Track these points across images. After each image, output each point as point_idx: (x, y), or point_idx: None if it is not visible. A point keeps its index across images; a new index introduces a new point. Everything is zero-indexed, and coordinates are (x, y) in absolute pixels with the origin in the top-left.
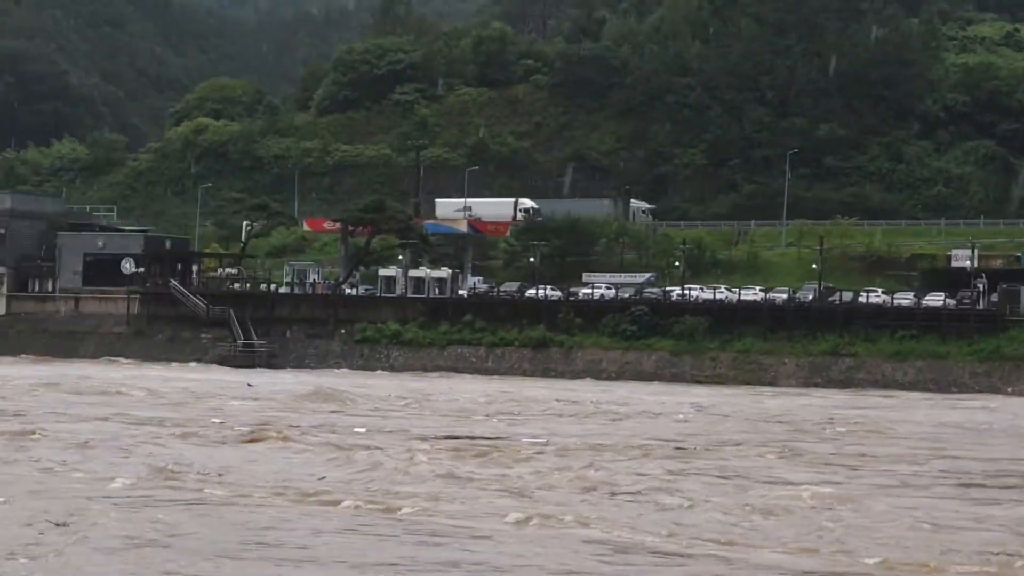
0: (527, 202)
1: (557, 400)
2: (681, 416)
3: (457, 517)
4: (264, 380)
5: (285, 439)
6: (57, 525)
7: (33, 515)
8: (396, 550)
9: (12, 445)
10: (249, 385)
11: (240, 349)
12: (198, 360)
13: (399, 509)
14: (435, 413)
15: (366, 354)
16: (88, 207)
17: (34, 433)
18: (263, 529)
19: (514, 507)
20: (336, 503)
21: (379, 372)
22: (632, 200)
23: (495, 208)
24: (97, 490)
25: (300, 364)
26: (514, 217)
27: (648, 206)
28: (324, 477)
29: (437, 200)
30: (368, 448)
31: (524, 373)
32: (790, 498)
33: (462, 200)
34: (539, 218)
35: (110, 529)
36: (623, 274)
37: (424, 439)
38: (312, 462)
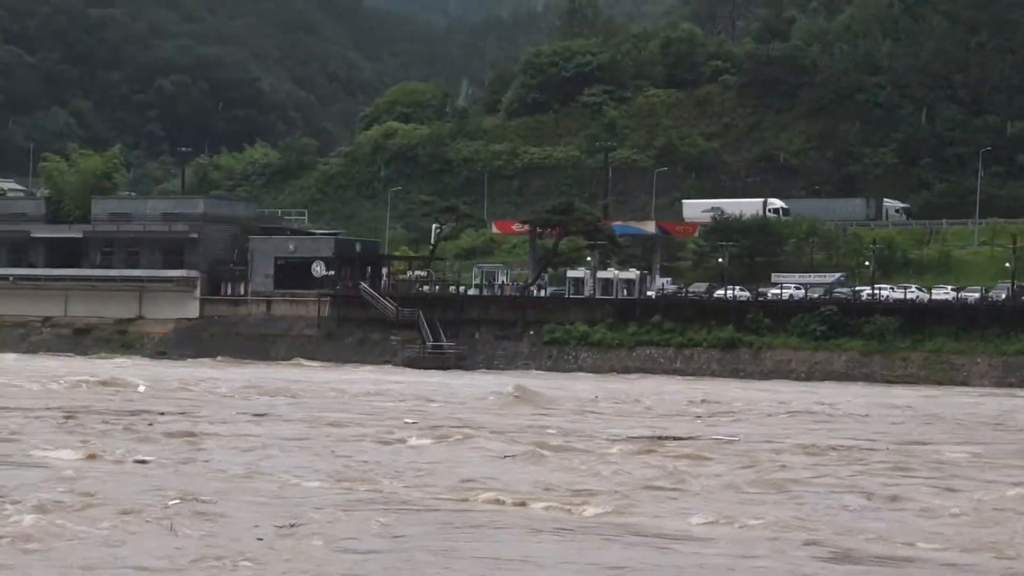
0: (776, 202)
1: (780, 402)
2: (892, 420)
3: (662, 517)
4: (462, 382)
5: (482, 440)
6: (290, 526)
7: (255, 518)
8: (618, 553)
9: (187, 446)
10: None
11: (429, 351)
12: (388, 362)
13: (605, 510)
14: (647, 413)
15: (555, 355)
16: (279, 211)
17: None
18: (474, 528)
19: (731, 511)
20: (531, 504)
21: (578, 373)
22: (885, 199)
23: (743, 208)
24: (310, 493)
25: (489, 365)
26: (763, 215)
27: (902, 205)
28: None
29: (684, 201)
30: (567, 449)
31: (713, 374)
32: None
33: (709, 201)
34: (724, 217)
35: (337, 531)
36: (812, 274)
37: (629, 439)
38: (511, 463)
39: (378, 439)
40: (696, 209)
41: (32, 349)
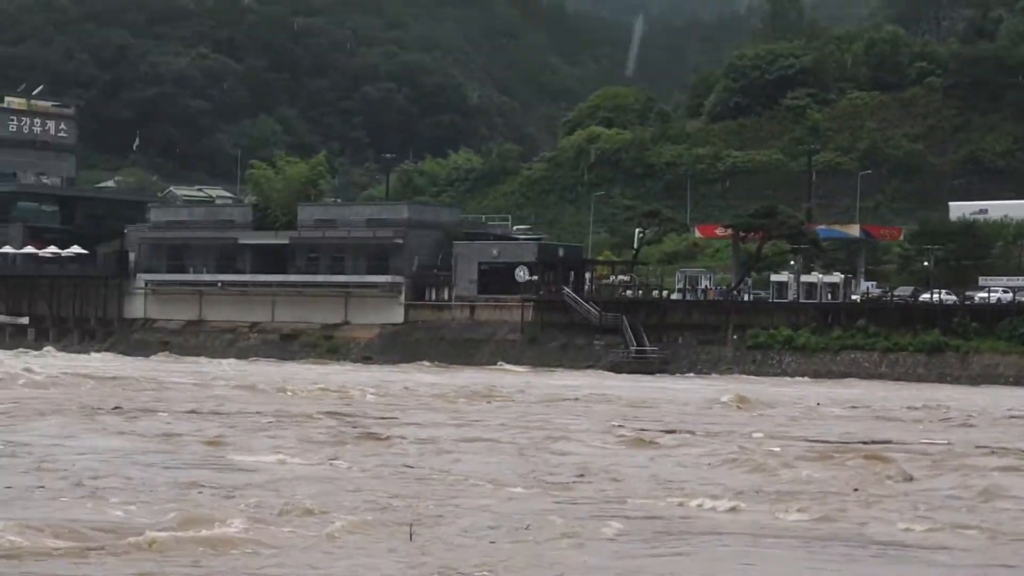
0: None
1: (1008, 408)
2: None
3: (888, 524)
4: (679, 387)
5: (682, 443)
6: (523, 529)
7: (483, 522)
8: (857, 568)
9: (381, 446)
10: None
11: (633, 355)
12: (591, 367)
13: (846, 522)
14: (867, 417)
15: (758, 359)
16: (483, 216)
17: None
18: (688, 534)
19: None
20: (744, 509)
21: (782, 378)
22: None
23: (1009, 210)
24: (532, 496)
25: (692, 369)
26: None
27: None
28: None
29: (951, 203)
30: (759, 453)
31: (918, 378)
32: None
33: (977, 203)
34: None
35: (568, 536)
36: (1020, 278)
37: (862, 443)
38: (730, 467)
39: (602, 442)
40: (961, 211)
41: (240, 354)
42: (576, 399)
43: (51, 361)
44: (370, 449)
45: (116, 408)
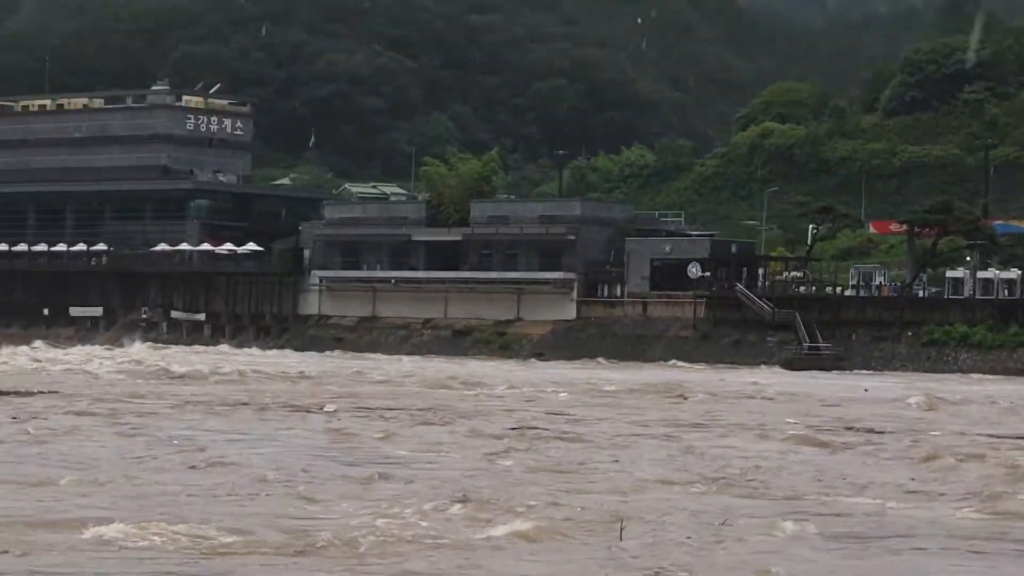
0: None
1: None
2: None
3: None
4: (873, 384)
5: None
6: (721, 524)
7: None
8: None
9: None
10: (865, 390)
11: (806, 352)
12: (763, 363)
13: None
14: None
15: (933, 356)
16: (656, 213)
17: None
18: (892, 537)
19: None
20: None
21: (955, 375)
22: None
23: None
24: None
25: (866, 366)
26: None
27: None
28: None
29: None
30: (955, 452)
31: None
32: None
33: None
34: None
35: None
36: None
37: None
38: (909, 465)
39: (796, 441)
40: None
41: (413, 351)
42: (767, 397)
43: (239, 358)
44: (563, 447)
45: (320, 407)
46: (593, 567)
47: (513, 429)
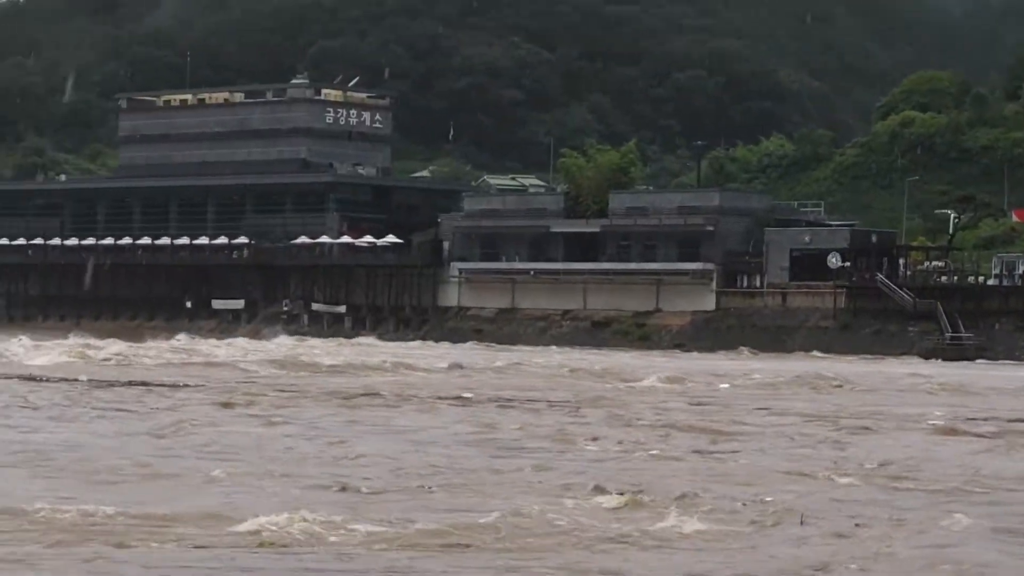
0: None
1: None
2: None
3: None
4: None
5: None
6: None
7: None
8: None
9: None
10: None
11: (948, 342)
12: (904, 353)
13: None
14: None
15: None
16: (795, 203)
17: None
18: None
19: None
20: None
21: None
22: None
23: None
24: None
25: (1009, 356)
26: None
27: None
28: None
29: None
30: None
31: None
32: None
33: None
34: None
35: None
36: None
37: None
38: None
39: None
40: None
41: (552, 342)
42: (929, 390)
43: (387, 350)
44: (734, 439)
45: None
46: (775, 562)
47: (684, 421)
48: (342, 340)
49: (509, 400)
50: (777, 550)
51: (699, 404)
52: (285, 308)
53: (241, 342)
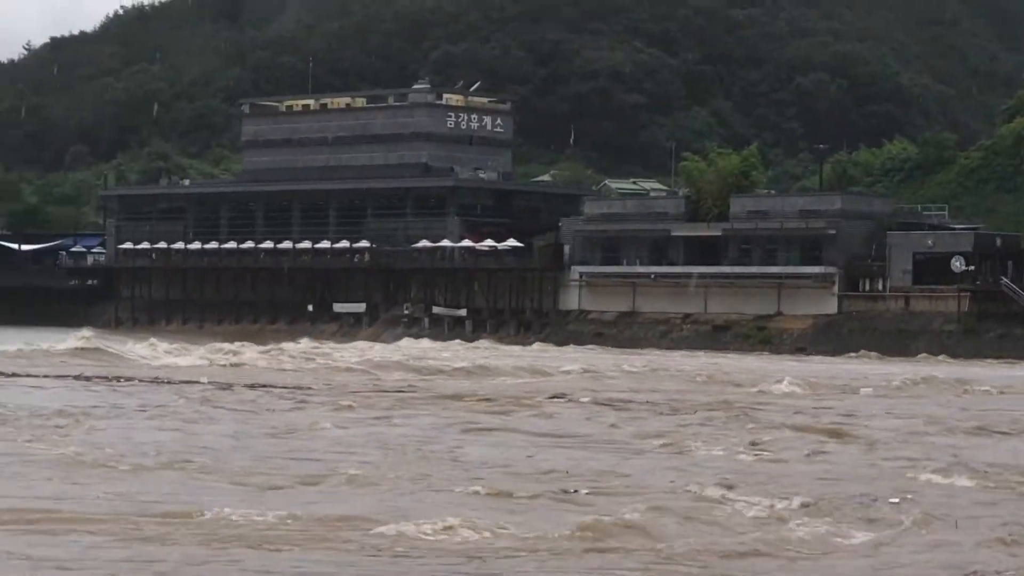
0: None
1: None
2: None
3: None
4: None
5: None
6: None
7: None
8: None
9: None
10: None
11: None
12: None
13: None
14: None
15: None
16: (919, 206)
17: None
18: None
19: None
20: None
21: None
22: None
23: None
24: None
25: None
26: None
27: None
28: None
29: None
30: None
31: None
32: None
33: None
34: None
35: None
36: None
37: None
38: None
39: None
40: None
41: (673, 346)
42: None
43: (524, 354)
44: (885, 444)
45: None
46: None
47: (832, 424)
48: (467, 344)
49: (668, 403)
50: (939, 556)
51: (848, 414)
52: (406, 311)
53: (374, 346)
